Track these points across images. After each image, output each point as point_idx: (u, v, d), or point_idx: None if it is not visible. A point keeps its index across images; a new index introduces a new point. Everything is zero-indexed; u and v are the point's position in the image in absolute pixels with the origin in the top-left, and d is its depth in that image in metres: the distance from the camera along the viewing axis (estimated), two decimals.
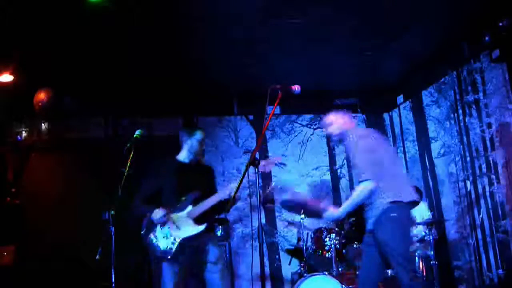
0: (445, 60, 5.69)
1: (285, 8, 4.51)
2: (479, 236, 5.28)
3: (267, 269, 6.44)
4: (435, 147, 6.04)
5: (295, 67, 5.72)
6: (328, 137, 3.86)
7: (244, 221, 6.45)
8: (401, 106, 6.75)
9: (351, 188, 6.99)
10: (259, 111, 6.71)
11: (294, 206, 4.91)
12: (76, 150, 6.32)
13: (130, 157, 3.96)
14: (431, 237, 4.72)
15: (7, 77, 5.17)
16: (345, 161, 7.03)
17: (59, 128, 6.36)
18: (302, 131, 6.98)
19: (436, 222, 5.26)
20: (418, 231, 5.11)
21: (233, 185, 3.88)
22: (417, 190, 5.75)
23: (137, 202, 4.08)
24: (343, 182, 6.99)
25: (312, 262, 5.13)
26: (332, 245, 4.89)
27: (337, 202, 6.87)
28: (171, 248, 3.84)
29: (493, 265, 5.10)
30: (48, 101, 5.48)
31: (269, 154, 3.91)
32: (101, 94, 6.07)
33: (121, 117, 6.52)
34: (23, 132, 6.29)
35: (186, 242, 3.88)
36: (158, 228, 3.94)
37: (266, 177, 6.67)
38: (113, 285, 3.75)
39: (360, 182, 3.46)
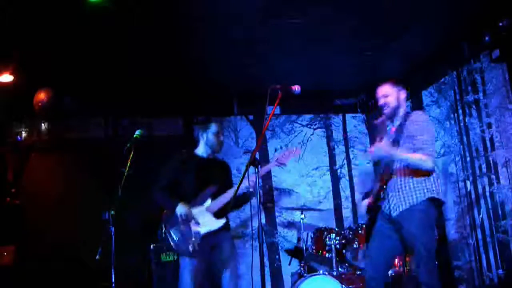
0: (445, 60, 5.69)
1: (285, 8, 4.51)
2: (479, 236, 5.28)
3: (267, 269, 6.45)
4: (435, 147, 6.03)
5: (295, 67, 5.72)
6: (381, 108, 3.83)
7: (243, 221, 6.45)
8: None
9: (351, 187, 7.00)
10: (259, 111, 6.71)
11: None
12: (76, 150, 6.32)
13: (130, 157, 3.96)
14: None
15: (7, 77, 5.17)
16: (345, 161, 7.04)
17: (59, 128, 6.36)
18: (302, 131, 6.98)
19: (436, 222, 5.26)
20: None
21: (253, 178, 3.88)
22: None
23: (158, 191, 4.08)
24: (343, 182, 6.99)
25: (312, 262, 5.13)
26: (332, 245, 4.89)
27: (337, 202, 6.89)
28: (192, 244, 3.86)
29: (493, 265, 5.10)
30: (48, 101, 5.48)
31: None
32: (101, 94, 6.07)
33: (121, 117, 6.52)
34: (23, 132, 6.29)
35: (205, 238, 3.90)
36: (181, 223, 3.95)
37: (266, 177, 6.67)
38: (113, 285, 3.76)
39: None
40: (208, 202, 3.98)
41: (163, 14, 4.48)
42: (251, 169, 3.19)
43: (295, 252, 5.56)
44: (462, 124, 5.53)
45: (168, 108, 6.55)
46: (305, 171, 6.88)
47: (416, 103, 6.41)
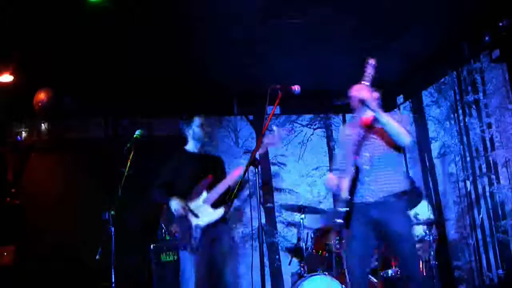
0: (445, 60, 5.69)
1: (285, 8, 4.51)
2: (479, 236, 5.28)
3: (267, 269, 6.44)
4: (435, 147, 6.04)
5: (295, 67, 5.71)
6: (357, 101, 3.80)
7: (244, 221, 6.45)
8: (401, 106, 6.75)
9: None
10: (259, 111, 6.70)
11: None
12: (76, 150, 6.32)
13: (130, 157, 3.97)
14: (431, 237, 4.72)
15: (7, 77, 5.17)
16: None
17: (59, 128, 6.36)
18: (302, 131, 6.98)
19: (436, 222, 5.26)
20: (418, 231, 5.11)
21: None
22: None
23: (155, 189, 4.14)
24: None
25: (312, 262, 5.12)
26: (332, 245, 4.88)
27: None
28: (195, 238, 3.87)
29: (493, 265, 5.09)
30: (48, 101, 5.48)
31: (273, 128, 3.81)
32: (101, 94, 6.07)
33: (121, 117, 6.52)
34: (23, 132, 6.28)
35: (206, 231, 3.91)
36: (180, 219, 3.96)
37: (266, 177, 6.67)
38: (113, 285, 3.76)
39: None
40: (204, 194, 4.01)
41: (163, 14, 4.48)
42: (251, 169, 3.19)
43: (295, 252, 5.56)
44: (462, 124, 5.53)
45: (168, 108, 6.54)
46: (305, 171, 6.88)
47: (416, 103, 6.41)
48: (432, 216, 5.25)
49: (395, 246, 3.39)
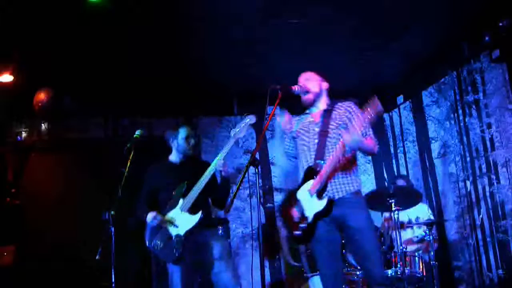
0: (445, 60, 5.69)
1: (285, 8, 4.51)
2: (479, 236, 5.28)
3: (267, 269, 6.44)
4: (435, 147, 6.04)
5: (295, 67, 5.69)
6: (302, 95, 3.56)
7: (244, 221, 6.44)
8: (401, 106, 6.75)
9: None
10: (259, 111, 6.68)
11: None
12: (76, 150, 6.32)
13: (130, 157, 3.96)
14: (431, 237, 4.72)
15: (7, 77, 5.17)
16: None
17: (59, 128, 6.36)
18: None
19: (436, 222, 5.26)
20: (418, 231, 5.12)
21: (220, 158, 3.82)
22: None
23: (139, 208, 4.08)
24: None
25: (312, 262, 5.12)
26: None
27: None
28: (177, 249, 3.82)
29: (493, 265, 5.09)
30: (48, 101, 5.48)
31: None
32: (101, 94, 6.07)
33: (121, 117, 6.52)
34: (23, 132, 6.28)
35: (189, 239, 3.86)
36: (159, 232, 3.93)
37: (266, 177, 6.67)
38: (113, 285, 3.75)
39: None
40: (181, 201, 3.91)
41: (163, 14, 4.48)
42: (251, 169, 3.19)
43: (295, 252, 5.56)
44: (462, 124, 5.53)
45: (168, 108, 6.54)
46: None
47: (416, 103, 6.41)
48: (432, 217, 5.25)
49: (355, 240, 3.29)
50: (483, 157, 5.23)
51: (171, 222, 3.86)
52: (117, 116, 6.52)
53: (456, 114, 5.62)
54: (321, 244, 3.35)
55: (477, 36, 5.05)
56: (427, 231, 4.75)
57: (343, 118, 3.45)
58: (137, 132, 4.12)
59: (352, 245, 3.33)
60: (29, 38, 4.64)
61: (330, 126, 3.42)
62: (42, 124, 6.33)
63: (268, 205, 6.64)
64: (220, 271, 3.89)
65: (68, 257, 5.74)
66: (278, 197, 6.70)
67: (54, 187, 6.03)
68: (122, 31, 4.65)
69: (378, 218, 5.60)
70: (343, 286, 4.50)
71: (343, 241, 3.69)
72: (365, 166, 6.82)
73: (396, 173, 6.75)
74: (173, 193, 3.96)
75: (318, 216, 3.28)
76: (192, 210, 3.85)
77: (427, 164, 6.19)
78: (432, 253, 4.72)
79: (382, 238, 4.77)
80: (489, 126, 5.15)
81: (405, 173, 6.55)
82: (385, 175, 6.87)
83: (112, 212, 3.82)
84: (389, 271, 4.58)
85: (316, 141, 3.42)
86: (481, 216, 5.25)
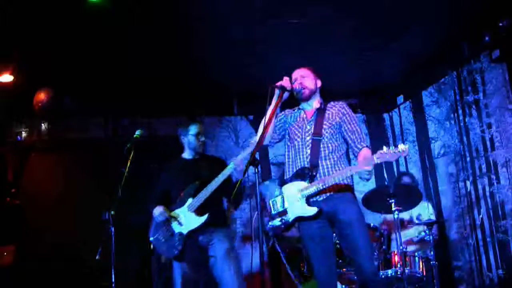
0: (445, 60, 5.69)
1: (285, 8, 4.51)
2: (479, 236, 5.28)
3: (267, 270, 6.43)
4: (435, 147, 6.04)
5: (295, 67, 5.70)
6: (297, 93, 3.50)
7: (244, 221, 6.44)
8: (401, 106, 6.75)
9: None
10: (259, 111, 6.69)
11: None
12: (76, 150, 6.32)
13: (130, 157, 3.97)
14: (431, 237, 4.72)
15: (7, 77, 5.17)
16: None
17: (59, 128, 6.35)
18: None
19: (436, 222, 5.26)
20: (418, 231, 5.12)
21: (235, 160, 3.85)
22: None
23: (151, 204, 4.09)
24: None
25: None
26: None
27: None
28: (177, 246, 3.83)
29: (493, 265, 5.09)
30: (48, 101, 5.48)
31: None
32: (101, 94, 6.07)
33: (121, 117, 6.52)
34: (23, 132, 6.28)
35: (191, 238, 3.86)
36: (163, 227, 3.94)
37: (266, 177, 6.66)
38: (113, 285, 3.75)
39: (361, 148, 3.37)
40: (189, 200, 3.93)
41: (163, 14, 4.48)
42: (251, 169, 3.17)
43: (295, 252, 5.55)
44: (462, 124, 5.53)
45: (168, 108, 6.54)
46: None
47: (416, 103, 6.41)
48: (432, 216, 5.25)
49: (345, 234, 3.27)
50: (483, 157, 5.23)
51: (176, 219, 3.87)
52: (117, 116, 6.52)
53: (456, 114, 5.62)
54: (313, 242, 3.36)
55: (477, 36, 5.05)
56: (427, 231, 4.75)
57: (336, 119, 3.47)
58: (137, 132, 4.13)
59: (342, 239, 3.32)
60: (29, 38, 4.64)
61: (324, 126, 3.43)
62: (42, 124, 6.33)
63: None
64: (223, 270, 3.88)
65: (68, 257, 5.74)
66: None
67: (54, 187, 6.02)
68: (122, 31, 4.65)
69: (378, 218, 5.60)
70: (343, 286, 4.50)
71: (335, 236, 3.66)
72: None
73: (396, 173, 6.75)
74: (183, 191, 3.97)
75: (300, 219, 3.28)
76: (199, 211, 3.87)
77: (427, 164, 6.19)
78: (432, 252, 4.72)
79: (382, 238, 4.77)
80: (489, 126, 5.15)
81: (405, 171, 6.54)
82: (385, 175, 6.87)
83: (112, 212, 3.83)
84: (389, 271, 4.59)
85: (310, 140, 3.42)
86: (481, 216, 5.25)
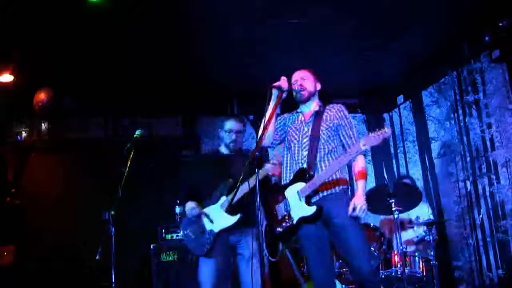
0: (445, 60, 5.69)
1: (285, 8, 4.51)
2: (479, 236, 5.27)
3: (267, 270, 6.43)
4: (435, 147, 6.04)
5: (295, 67, 5.70)
6: (296, 93, 3.52)
7: None
8: (401, 106, 6.75)
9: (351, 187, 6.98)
10: (259, 111, 6.69)
11: None
12: (76, 150, 6.32)
13: (130, 157, 3.96)
14: (431, 237, 4.72)
15: (7, 77, 5.17)
16: None
17: (59, 128, 6.36)
18: None
19: (436, 222, 5.26)
20: (418, 231, 5.12)
21: (268, 165, 3.81)
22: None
23: (184, 200, 4.05)
24: None
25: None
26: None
27: None
28: (207, 244, 3.82)
29: (493, 265, 5.09)
30: (48, 101, 5.49)
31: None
32: (101, 94, 6.07)
33: (121, 117, 6.52)
34: (23, 132, 6.28)
35: (221, 237, 3.84)
36: (194, 223, 3.92)
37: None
38: (113, 285, 3.75)
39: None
40: (223, 198, 3.91)
41: (163, 14, 4.48)
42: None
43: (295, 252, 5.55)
44: (462, 124, 5.53)
45: (168, 108, 6.54)
46: None
47: (416, 103, 6.41)
48: (432, 217, 5.25)
49: (340, 237, 3.28)
50: (483, 157, 5.23)
51: (208, 217, 3.85)
52: (117, 116, 6.52)
53: (456, 114, 5.62)
54: (310, 241, 3.37)
55: (477, 36, 5.05)
56: (427, 231, 4.75)
57: (334, 121, 3.48)
58: (137, 132, 4.12)
59: (337, 241, 3.32)
60: (29, 38, 4.64)
61: (321, 128, 3.45)
62: (42, 124, 6.33)
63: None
64: (248, 272, 3.85)
65: (68, 257, 5.73)
66: None
67: (54, 187, 6.03)
68: (122, 31, 4.65)
69: (377, 218, 5.61)
70: (343, 286, 4.50)
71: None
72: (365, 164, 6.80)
73: (396, 173, 6.75)
74: (216, 188, 3.96)
75: (303, 220, 3.30)
76: (232, 210, 3.82)
77: (427, 164, 6.19)
78: (432, 252, 4.72)
79: (382, 238, 4.76)
80: (489, 126, 5.15)
81: (405, 173, 6.55)
82: (385, 175, 6.87)
83: (112, 212, 3.82)
84: (389, 271, 4.59)
85: (307, 142, 3.44)
86: (481, 216, 5.25)
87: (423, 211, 5.28)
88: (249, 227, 3.91)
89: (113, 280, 3.75)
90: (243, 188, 3.73)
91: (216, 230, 3.84)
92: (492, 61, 5.01)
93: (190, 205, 3.94)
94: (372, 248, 4.66)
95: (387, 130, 3.08)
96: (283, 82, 3.37)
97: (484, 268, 5.19)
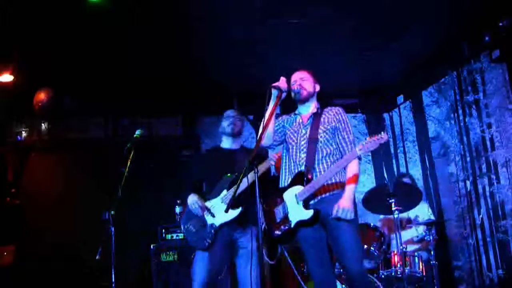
0: (445, 60, 5.69)
1: (285, 8, 4.51)
2: (479, 236, 5.27)
3: (267, 271, 6.42)
4: (435, 147, 6.04)
5: (295, 67, 5.70)
6: (295, 93, 3.51)
7: None
8: (401, 106, 6.75)
9: None
10: (259, 111, 6.69)
11: None
12: (76, 150, 6.32)
13: (130, 157, 3.96)
14: (431, 237, 4.71)
15: (7, 77, 5.17)
16: None
17: (59, 128, 6.36)
18: None
19: (436, 222, 5.26)
20: (418, 231, 5.11)
21: (270, 158, 3.82)
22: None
23: (187, 191, 4.05)
24: None
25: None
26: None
27: None
28: (208, 238, 3.82)
29: (493, 265, 5.09)
30: (48, 101, 5.49)
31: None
32: (101, 94, 6.07)
33: (121, 117, 6.52)
34: (23, 132, 6.29)
35: (221, 231, 3.84)
36: (196, 217, 3.93)
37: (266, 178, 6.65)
38: (113, 285, 3.75)
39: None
40: (224, 192, 3.92)
41: (163, 14, 4.48)
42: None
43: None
44: (462, 124, 5.53)
45: (168, 108, 6.55)
46: None
47: (416, 103, 6.41)
48: (432, 216, 5.25)
49: (334, 235, 3.29)
50: (483, 157, 5.23)
51: (209, 210, 3.85)
52: (117, 116, 6.52)
53: (456, 114, 5.62)
54: (308, 243, 3.38)
55: (477, 36, 5.05)
56: (427, 231, 4.75)
57: (332, 124, 3.49)
58: (137, 132, 4.12)
59: (331, 240, 3.34)
60: (29, 38, 4.65)
61: (319, 131, 3.46)
62: (42, 124, 6.33)
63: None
64: (247, 269, 3.86)
65: (68, 257, 5.74)
66: None
67: (54, 187, 6.03)
68: (122, 31, 4.65)
69: (377, 218, 5.61)
70: (343, 286, 4.50)
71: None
72: (365, 166, 6.81)
73: (396, 173, 6.75)
74: (218, 182, 3.97)
75: (301, 224, 3.31)
76: (233, 204, 3.79)
77: (427, 164, 6.19)
78: (432, 252, 4.72)
79: (382, 238, 4.76)
80: (489, 126, 5.15)
81: (405, 172, 6.54)
82: (385, 175, 6.87)
83: (112, 212, 3.82)
84: (389, 271, 4.59)
85: (305, 145, 3.45)
86: (481, 216, 5.25)
87: (423, 211, 5.28)
88: (250, 223, 3.94)
89: (113, 280, 3.75)
90: (244, 183, 3.74)
91: (217, 223, 3.85)
92: (492, 61, 5.01)
93: (192, 198, 3.94)
94: (372, 248, 4.66)
95: (383, 135, 3.09)
96: (282, 82, 3.37)
97: (484, 268, 5.19)
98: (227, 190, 3.91)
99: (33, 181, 6.06)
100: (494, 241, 5.07)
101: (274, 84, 3.33)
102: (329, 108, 3.60)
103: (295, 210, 3.32)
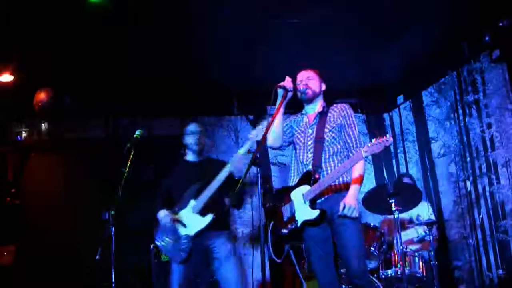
0: (445, 60, 5.69)
1: (285, 8, 4.51)
2: (479, 236, 5.27)
3: (267, 270, 6.42)
4: (435, 147, 6.04)
5: (295, 67, 5.70)
6: (301, 93, 3.54)
7: (244, 221, 6.44)
8: (401, 106, 6.75)
9: None
10: (259, 111, 6.70)
11: None
12: (76, 150, 6.32)
13: (130, 157, 3.96)
14: (431, 237, 4.72)
15: (7, 77, 5.17)
16: None
17: (59, 128, 6.36)
18: None
19: (436, 222, 5.26)
20: (419, 231, 5.11)
21: (233, 157, 3.86)
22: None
23: (158, 210, 4.09)
24: None
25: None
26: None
27: None
28: (184, 249, 3.82)
29: (493, 265, 5.09)
30: (48, 101, 5.49)
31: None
32: (101, 94, 6.07)
33: (121, 117, 6.52)
34: (23, 132, 6.28)
35: (196, 241, 3.85)
36: (169, 230, 3.93)
37: (266, 177, 6.67)
38: (113, 285, 3.75)
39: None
40: (192, 202, 3.93)
41: (163, 14, 4.48)
42: (252, 169, 3.17)
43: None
44: (462, 124, 5.53)
45: (168, 108, 6.54)
46: None
47: (416, 103, 6.41)
48: (432, 216, 5.25)
49: (338, 232, 3.32)
50: (483, 157, 5.23)
51: (180, 222, 3.86)
52: (117, 116, 6.52)
53: (456, 114, 5.62)
54: (313, 241, 3.40)
55: (477, 36, 5.05)
56: (427, 231, 4.75)
57: (338, 121, 3.51)
58: (137, 132, 4.12)
59: (335, 236, 3.37)
60: (29, 38, 4.64)
61: (325, 130, 3.47)
62: (42, 124, 6.33)
63: (267, 205, 6.63)
64: (227, 272, 3.88)
65: (68, 257, 5.73)
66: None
67: (54, 187, 6.03)
68: (122, 31, 4.65)
69: (377, 218, 5.61)
70: (343, 286, 4.50)
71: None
72: (365, 166, 6.80)
73: (396, 173, 6.75)
74: (185, 193, 3.97)
75: (307, 223, 3.33)
76: (203, 212, 3.86)
77: (427, 164, 6.19)
78: (432, 252, 4.72)
79: (382, 238, 4.76)
80: (489, 126, 5.15)
81: (405, 172, 6.54)
82: (385, 175, 6.87)
83: (112, 212, 3.82)
84: (389, 271, 4.59)
85: (312, 144, 3.46)
86: (481, 216, 5.25)
87: (423, 211, 5.28)
88: (223, 229, 3.98)
89: (113, 280, 3.75)
90: (211, 188, 3.77)
91: (191, 233, 3.85)
92: (492, 61, 5.01)
93: (162, 213, 3.98)
94: (372, 248, 4.66)
95: (389, 138, 3.08)
96: (287, 82, 3.38)
97: (484, 268, 5.19)
98: (195, 200, 3.91)
99: (33, 181, 6.06)
100: (494, 241, 5.07)
101: (279, 84, 3.33)
102: (334, 105, 3.62)
103: (302, 209, 3.34)
